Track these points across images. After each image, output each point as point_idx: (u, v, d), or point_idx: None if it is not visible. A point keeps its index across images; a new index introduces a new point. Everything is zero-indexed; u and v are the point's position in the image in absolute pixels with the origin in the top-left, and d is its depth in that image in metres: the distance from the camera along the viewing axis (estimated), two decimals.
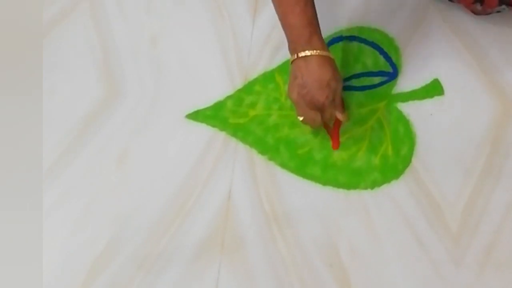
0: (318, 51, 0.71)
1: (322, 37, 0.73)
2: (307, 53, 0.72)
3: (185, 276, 0.76)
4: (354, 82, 0.88)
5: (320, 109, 0.74)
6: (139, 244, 0.78)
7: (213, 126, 0.87)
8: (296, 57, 0.73)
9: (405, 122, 0.84)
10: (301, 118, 0.77)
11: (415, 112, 0.85)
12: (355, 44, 0.92)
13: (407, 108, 0.86)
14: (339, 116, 0.76)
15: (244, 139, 0.85)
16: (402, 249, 0.76)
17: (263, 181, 0.82)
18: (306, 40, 0.72)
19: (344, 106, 0.76)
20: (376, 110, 0.86)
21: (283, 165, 0.83)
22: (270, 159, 0.83)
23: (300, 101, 0.74)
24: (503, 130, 0.83)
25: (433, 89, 0.87)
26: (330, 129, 0.82)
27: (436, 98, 0.86)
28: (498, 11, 0.87)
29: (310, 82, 0.72)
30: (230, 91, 0.90)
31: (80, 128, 0.88)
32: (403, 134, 0.83)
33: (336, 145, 0.82)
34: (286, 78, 0.89)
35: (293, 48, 0.74)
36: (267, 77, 0.90)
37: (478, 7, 0.87)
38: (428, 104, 0.86)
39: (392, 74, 0.89)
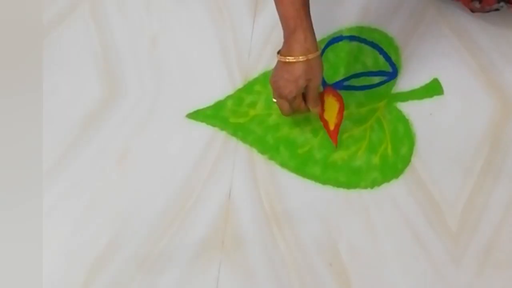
0: (304, 55, 0.73)
1: (308, 30, 0.74)
2: (289, 59, 0.74)
3: (185, 275, 0.76)
4: (354, 82, 0.89)
5: (286, 100, 0.77)
6: (139, 243, 0.78)
7: (214, 125, 0.87)
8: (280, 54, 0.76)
9: (404, 122, 0.84)
10: (274, 101, 0.80)
11: (414, 111, 0.85)
12: (355, 44, 0.92)
13: (407, 108, 0.86)
14: (311, 109, 0.80)
15: (244, 139, 0.86)
16: (402, 248, 0.76)
17: (263, 181, 0.82)
18: (290, 32, 0.74)
19: (318, 100, 0.79)
20: (375, 109, 0.86)
21: (283, 165, 0.83)
22: (270, 158, 0.84)
23: (272, 87, 0.78)
24: (502, 129, 0.83)
25: (433, 88, 0.87)
26: (330, 129, 0.82)
27: (435, 97, 0.86)
28: (497, 9, 0.87)
29: (280, 73, 0.76)
30: (230, 90, 0.90)
31: (80, 128, 0.88)
32: (403, 133, 0.84)
33: (335, 143, 0.82)
34: None
35: (284, 37, 0.76)
36: (267, 77, 0.89)
37: (477, 4, 0.87)
38: (427, 104, 0.86)
39: (392, 73, 0.89)
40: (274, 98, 0.80)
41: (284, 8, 0.73)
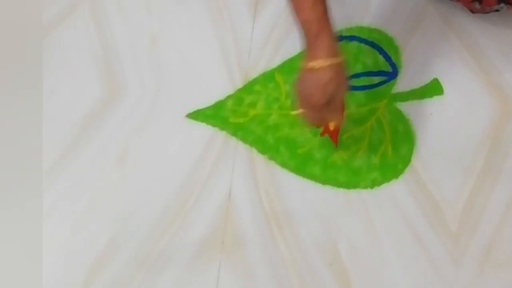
0: (329, 60, 0.70)
1: (332, 35, 0.71)
2: (315, 65, 0.70)
3: (185, 275, 0.76)
4: (354, 82, 0.88)
5: (314, 108, 0.73)
6: (139, 243, 0.78)
7: (214, 125, 0.87)
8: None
9: (404, 122, 0.84)
10: (295, 113, 0.76)
11: (414, 111, 0.85)
12: (355, 43, 0.92)
13: (407, 108, 0.86)
14: (336, 120, 0.75)
15: (244, 139, 0.86)
16: (402, 248, 0.76)
17: (263, 181, 0.82)
18: (313, 38, 0.71)
19: (343, 110, 0.76)
20: (376, 109, 0.86)
21: (283, 165, 0.83)
22: (270, 158, 0.84)
23: (299, 95, 0.74)
24: (502, 129, 0.83)
25: (433, 88, 0.87)
26: (330, 129, 0.82)
27: (435, 97, 0.86)
28: (497, 10, 0.87)
29: (308, 80, 0.72)
30: (230, 90, 0.90)
31: (80, 128, 0.88)
32: (403, 133, 0.84)
33: (335, 143, 0.82)
34: (286, 78, 0.89)
35: (306, 44, 0.72)
36: (267, 77, 0.90)
37: (477, 5, 0.87)
38: (427, 104, 0.86)
39: (392, 73, 0.89)
40: (297, 110, 0.75)
41: (306, 13, 0.71)
